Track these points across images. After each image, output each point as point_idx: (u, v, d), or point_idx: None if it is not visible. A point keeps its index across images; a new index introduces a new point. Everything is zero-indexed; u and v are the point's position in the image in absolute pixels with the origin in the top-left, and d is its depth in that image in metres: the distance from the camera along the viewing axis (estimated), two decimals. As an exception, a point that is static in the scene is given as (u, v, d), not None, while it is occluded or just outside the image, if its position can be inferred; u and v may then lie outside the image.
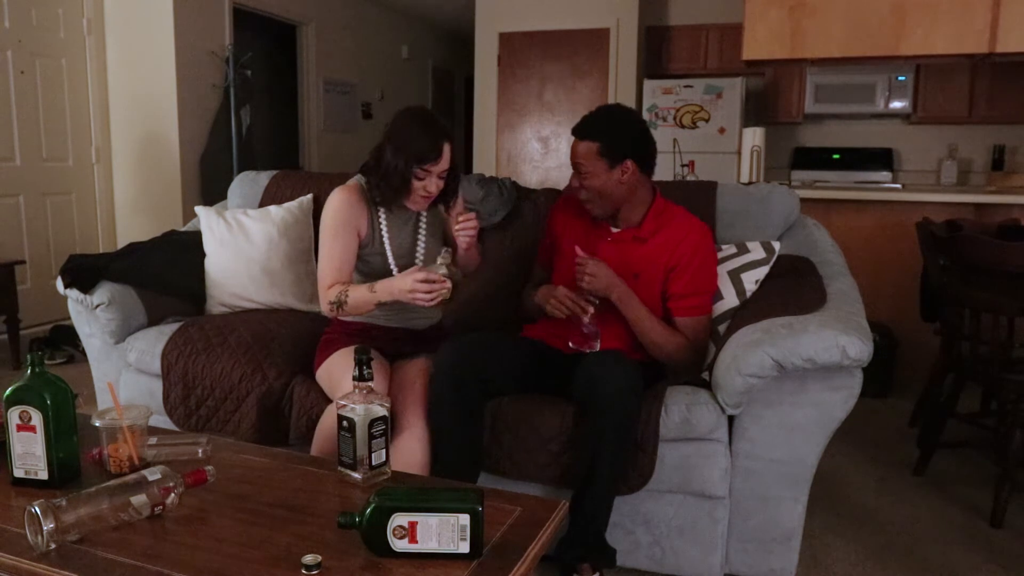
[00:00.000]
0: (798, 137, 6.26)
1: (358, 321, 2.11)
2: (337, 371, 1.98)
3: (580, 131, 1.99)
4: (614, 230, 2.11)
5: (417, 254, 2.09)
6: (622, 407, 1.77)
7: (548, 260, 2.26)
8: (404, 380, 1.95)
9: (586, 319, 1.95)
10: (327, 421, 1.90)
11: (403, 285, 1.84)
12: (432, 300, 1.81)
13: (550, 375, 2.01)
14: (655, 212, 2.09)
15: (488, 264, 2.48)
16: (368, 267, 2.07)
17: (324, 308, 2.02)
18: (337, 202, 2.02)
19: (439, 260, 1.84)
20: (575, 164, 2.00)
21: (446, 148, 1.93)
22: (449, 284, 1.81)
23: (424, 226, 2.10)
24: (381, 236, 2.05)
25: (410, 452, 1.83)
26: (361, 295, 1.93)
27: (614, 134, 1.97)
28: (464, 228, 1.95)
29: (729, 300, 2.11)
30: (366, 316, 2.09)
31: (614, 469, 1.80)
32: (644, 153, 2.02)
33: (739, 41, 3.85)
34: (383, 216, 2.06)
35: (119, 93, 5.04)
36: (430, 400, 1.88)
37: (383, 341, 2.08)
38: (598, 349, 1.95)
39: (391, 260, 2.05)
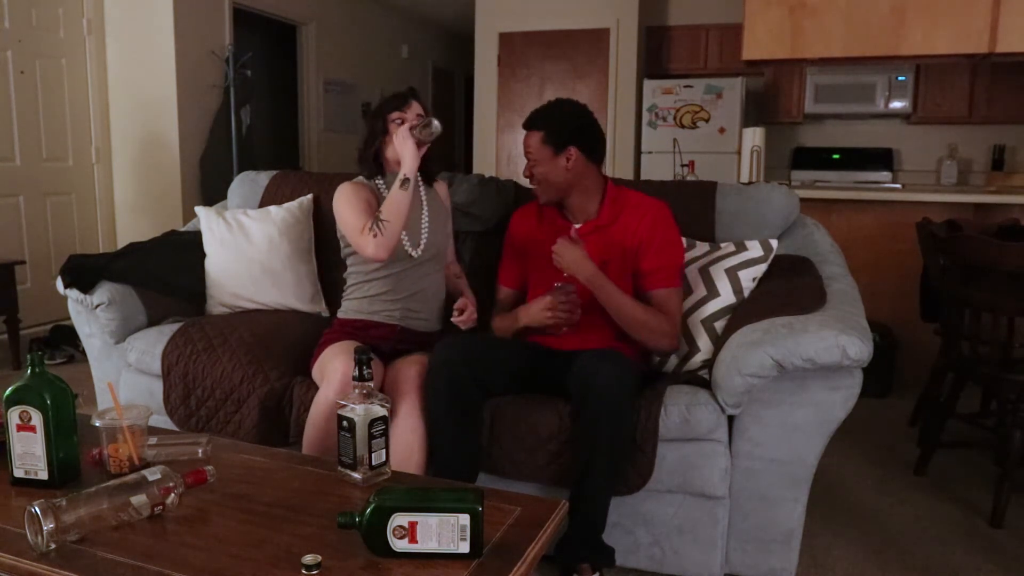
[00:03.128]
0: (798, 137, 6.26)
1: (359, 318, 2.17)
2: (326, 359, 2.02)
3: (527, 122, 2.14)
4: (576, 226, 2.15)
5: (423, 227, 2.19)
6: (615, 406, 1.77)
7: (516, 278, 2.28)
8: (399, 373, 1.98)
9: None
10: (315, 413, 1.92)
11: (400, 146, 2.06)
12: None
13: (547, 375, 2.01)
14: (609, 200, 2.15)
15: (486, 266, 2.47)
16: None
17: (369, 247, 2.04)
18: (344, 188, 2.19)
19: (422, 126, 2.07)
20: (526, 154, 2.14)
21: (412, 102, 2.17)
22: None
23: (425, 202, 2.24)
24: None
25: (405, 444, 1.84)
26: (390, 196, 2.05)
27: (557, 123, 2.10)
28: (462, 321, 2.13)
29: (725, 297, 2.11)
30: (368, 312, 2.17)
31: (610, 468, 1.80)
32: (588, 141, 2.11)
33: (739, 41, 3.85)
34: (384, 192, 2.20)
35: (119, 93, 5.04)
36: (426, 399, 1.89)
37: (381, 340, 2.10)
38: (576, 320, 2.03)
39: (403, 236, 2.15)
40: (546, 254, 2.09)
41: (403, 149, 2.05)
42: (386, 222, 2.02)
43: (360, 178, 2.26)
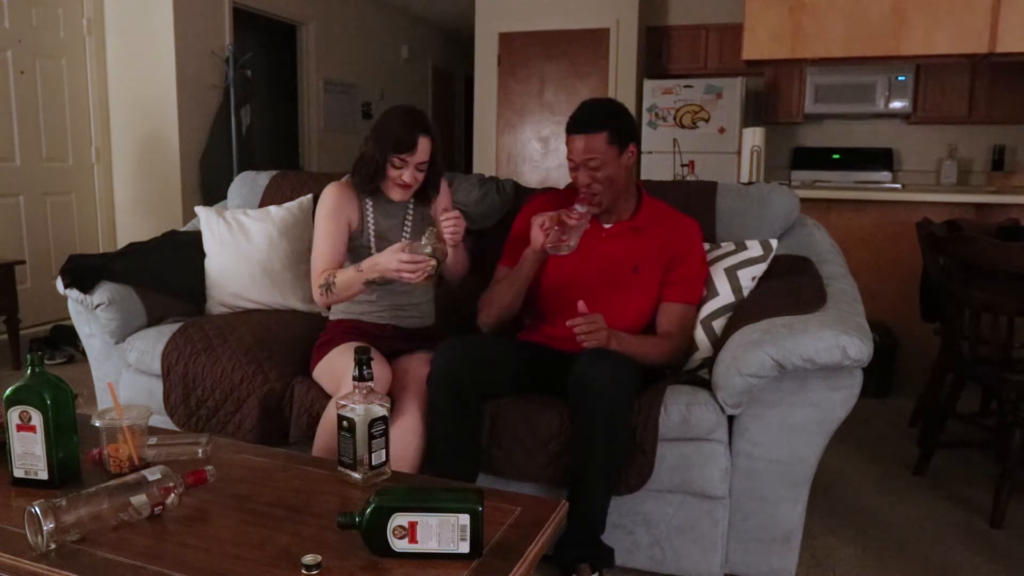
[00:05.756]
0: (798, 137, 6.26)
1: (349, 318, 2.16)
2: (339, 365, 1.99)
3: (585, 125, 1.98)
4: (606, 227, 2.11)
5: None
6: (612, 406, 1.77)
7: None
8: (404, 371, 1.98)
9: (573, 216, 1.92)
10: (331, 415, 1.90)
11: (388, 263, 1.87)
12: (417, 277, 1.85)
13: (547, 377, 2.00)
14: (647, 204, 2.13)
15: (485, 265, 2.47)
16: (358, 259, 2.10)
17: (315, 295, 2.09)
18: (328, 194, 2.13)
19: (423, 239, 1.87)
20: (584, 160, 1.98)
21: (422, 140, 2.01)
22: (433, 262, 1.85)
23: (410, 220, 2.18)
24: (368, 228, 2.14)
25: (404, 444, 1.84)
26: (348, 275, 2.00)
27: (618, 121, 2.01)
28: (448, 225, 1.95)
29: (724, 296, 2.11)
30: (357, 312, 2.15)
31: (607, 469, 1.80)
32: (638, 136, 2.08)
33: (739, 41, 3.85)
34: (371, 209, 2.14)
35: (119, 93, 5.04)
36: (427, 401, 1.88)
37: (377, 340, 2.09)
38: (572, 248, 1.93)
39: (372, 251, 2.10)
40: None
41: (387, 262, 1.87)
42: (335, 293, 2.02)
43: (349, 177, 2.17)
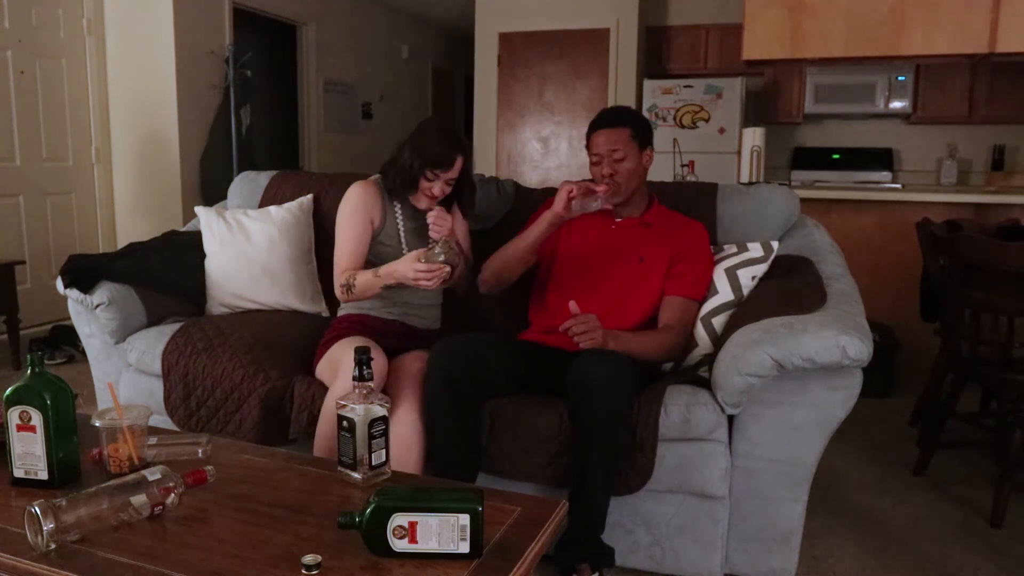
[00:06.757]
0: (798, 137, 6.26)
1: (356, 312, 2.21)
2: (338, 356, 2.02)
3: (611, 120, 2.13)
4: (617, 220, 2.20)
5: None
6: (612, 406, 1.77)
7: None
8: (402, 368, 1.99)
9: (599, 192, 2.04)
10: (330, 406, 1.92)
11: (405, 271, 1.94)
12: (432, 284, 1.92)
13: (546, 376, 2.00)
14: (656, 207, 2.23)
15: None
16: (381, 259, 2.15)
17: (337, 291, 2.16)
18: (354, 193, 2.20)
19: (437, 248, 1.93)
20: (609, 152, 2.09)
21: (458, 160, 2.11)
22: (448, 268, 1.92)
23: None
24: (397, 228, 2.20)
25: (404, 439, 1.84)
26: (367, 279, 2.07)
27: (641, 121, 2.16)
28: (430, 220, 2.06)
29: (724, 295, 2.12)
30: (367, 307, 2.21)
31: (607, 468, 1.80)
32: (652, 144, 2.19)
33: (739, 41, 3.85)
34: (399, 210, 2.21)
35: (119, 93, 5.04)
36: (425, 399, 1.89)
37: (381, 336, 2.11)
38: (599, 206, 2.05)
39: (405, 251, 2.15)
40: (582, 230, 2.15)
41: (404, 270, 1.94)
42: (354, 293, 2.10)
43: (377, 177, 2.25)
